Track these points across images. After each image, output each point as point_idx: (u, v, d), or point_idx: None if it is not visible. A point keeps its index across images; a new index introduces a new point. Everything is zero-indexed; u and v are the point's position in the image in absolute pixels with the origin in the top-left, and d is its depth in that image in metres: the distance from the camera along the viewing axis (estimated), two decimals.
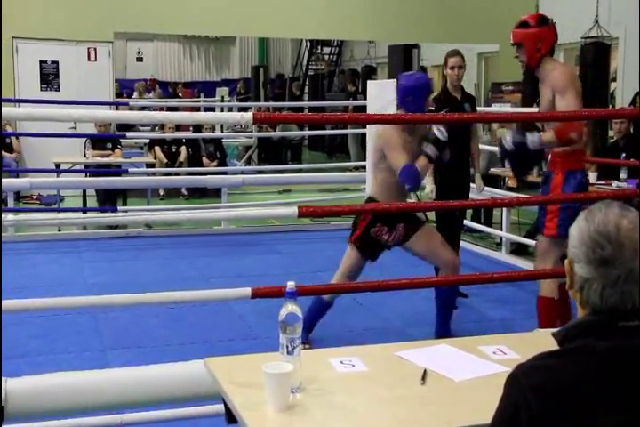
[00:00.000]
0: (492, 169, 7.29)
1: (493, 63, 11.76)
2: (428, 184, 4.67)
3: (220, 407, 1.88)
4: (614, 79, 9.30)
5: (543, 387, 1.26)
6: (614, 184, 5.03)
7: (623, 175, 5.35)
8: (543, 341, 1.35)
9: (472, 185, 4.89)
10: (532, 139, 3.29)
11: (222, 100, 13.95)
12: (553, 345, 1.35)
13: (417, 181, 3.61)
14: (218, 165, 9.71)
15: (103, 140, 8.26)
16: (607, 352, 1.28)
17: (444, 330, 3.82)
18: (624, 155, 5.61)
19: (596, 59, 8.34)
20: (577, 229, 1.35)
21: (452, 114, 3.85)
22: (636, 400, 1.26)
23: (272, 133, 12.68)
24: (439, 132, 3.53)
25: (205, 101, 15.00)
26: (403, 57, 10.11)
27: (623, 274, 1.28)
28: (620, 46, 8.98)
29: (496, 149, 6.86)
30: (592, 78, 8.45)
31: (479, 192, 4.97)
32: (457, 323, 4.40)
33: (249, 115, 2.68)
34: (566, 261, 1.38)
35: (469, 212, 7.53)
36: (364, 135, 8.15)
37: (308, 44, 17.22)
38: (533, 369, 1.31)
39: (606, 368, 1.27)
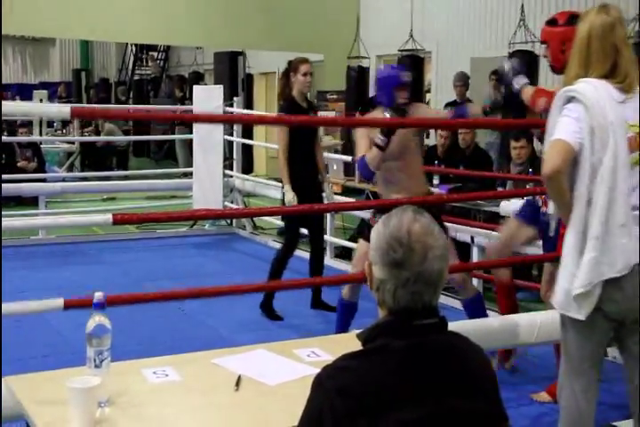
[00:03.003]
0: None
1: (319, 72, 12.02)
2: (288, 192, 4.65)
3: None
4: (429, 90, 9.84)
5: (347, 388, 1.30)
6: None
7: (436, 181, 5.68)
8: (355, 342, 1.39)
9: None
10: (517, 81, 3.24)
11: None
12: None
13: (366, 171, 3.57)
14: (36, 172, 9.19)
15: None
16: (404, 350, 1.34)
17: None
18: (436, 162, 5.95)
19: (412, 70, 8.78)
20: (375, 233, 1.40)
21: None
22: (430, 393, 1.32)
23: (95, 138, 12.23)
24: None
25: None
26: (229, 64, 10.14)
27: (412, 276, 1.34)
28: (433, 59, 9.53)
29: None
30: (410, 89, 8.91)
31: (329, 200, 5.00)
32: (277, 327, 4.48)
33: (67, 107, 2.57)
34: (366, 263, 1.43)
35: None
36: (191, 141, 8.06)
37: (134, 48, 16.80)
38: (337, 371, 1.34)
39: (404, 365, 1.33)
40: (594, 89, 2.23)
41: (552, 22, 3.22)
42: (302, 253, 6.47)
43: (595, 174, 2.21)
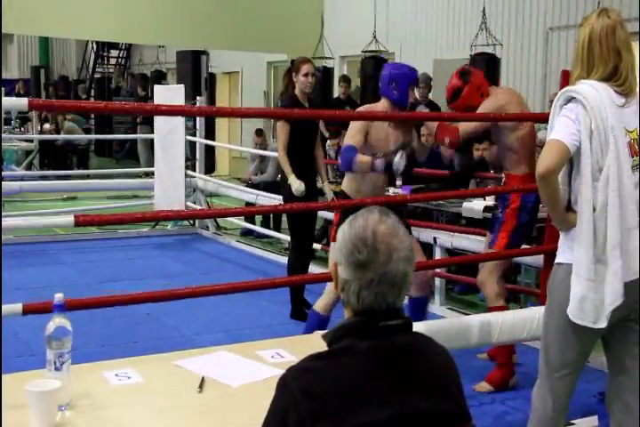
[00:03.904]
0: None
1: (282, 72, 12.04)
2: (294, 181, 4.58)
3: None
4: None
5: (312, 389, 1.29)
6: (391, 190, 5.33)
7: (399, 182, 5.70)
8: (320, 343, 1.39)
9: None
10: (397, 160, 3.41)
11: None
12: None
13: (347, 166, 3.47)
14: None
15: None
16: (369, 351, 1.34)
17: None
18: None
19: (375, 71, 8.83)
20: (341, 233, 1.40)
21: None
22: (395, 394, 1.32)
23: (55, 136, 12.05)
24: (397, 162, 3.42)
25: None
26: (191, 63, 10.07)
27: (376, 277, 1.34)
28: (396, 61, 9.58)
29: None
30: (372, 89, 8.96)
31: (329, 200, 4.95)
32: (241, 328, 4.47)
33: (24, 100, 2.58)
34: (332, 263, 1.43)
35: (259, 218, 7.64)
36: (153, 140, 7.98)
37: (95, 45, 16.58)
38: (302, 372, 1.33)
39: (369, 366, 1.33)
40: (594, 91, 2.20)
41: (459, 91, 3.73)
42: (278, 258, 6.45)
43: (596, 178, 2.18)
